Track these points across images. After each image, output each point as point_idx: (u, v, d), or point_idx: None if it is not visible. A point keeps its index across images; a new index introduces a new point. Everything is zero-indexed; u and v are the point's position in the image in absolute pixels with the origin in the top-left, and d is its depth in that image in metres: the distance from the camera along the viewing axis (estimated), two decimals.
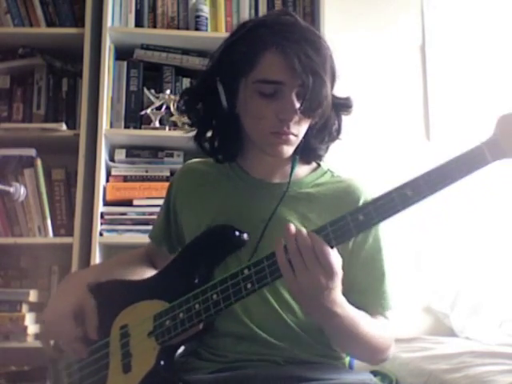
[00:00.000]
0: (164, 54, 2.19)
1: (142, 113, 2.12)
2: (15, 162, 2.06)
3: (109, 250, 2.11)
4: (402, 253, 2.27)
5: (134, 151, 2.14)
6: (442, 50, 2.52)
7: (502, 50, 2.52)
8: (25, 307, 1.97)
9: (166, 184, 2.09)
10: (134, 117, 2.13)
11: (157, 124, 2.11)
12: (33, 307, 2.01)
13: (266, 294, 1.06)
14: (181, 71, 2.22)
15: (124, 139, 2.13)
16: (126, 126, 2.11)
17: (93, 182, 2.01)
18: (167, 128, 2.11)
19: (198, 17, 2.17)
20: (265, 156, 1.10)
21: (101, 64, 2.07)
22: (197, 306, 0.98)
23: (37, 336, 1.96)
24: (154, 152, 2.15)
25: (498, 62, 2.50)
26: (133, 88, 2.15)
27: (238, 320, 1.06)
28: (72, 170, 2.08)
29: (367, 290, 1.08)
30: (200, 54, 2.20)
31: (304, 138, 1.09)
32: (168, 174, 2.12)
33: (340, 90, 1.13)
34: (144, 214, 2.05)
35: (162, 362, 1.01)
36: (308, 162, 1.18)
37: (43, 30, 2.13)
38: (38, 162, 2.05)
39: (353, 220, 0.88)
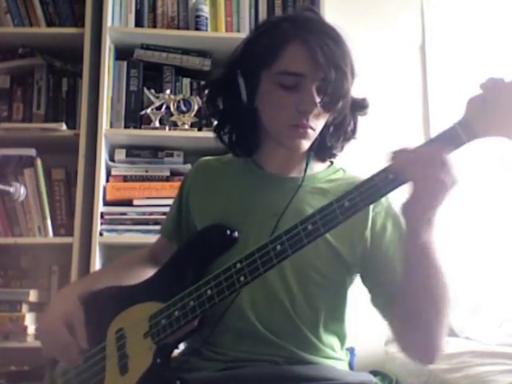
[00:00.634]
0: (164, 54, 2.18)
1: (142, 113, 2.12)
2: (15, 161, 2.06)
3: (109, 249, 2.11)
4: None
5: (133, 151, 2.14)
6: (441, 50, 2.52)
7: (502, 49, 2.52)
8: (25, 307, 1.97)
9: (166, 184, 2.14)
10: (134, 117, 2.13)
11: (157, 124, 2.11)
12: (33, 307, 2.01)
13: (276, 289, 1.05)
14: (181, 71, 2.22)
15: (124, 139, 2.13)
16: (126, 126, 2.11)
17: (93, 182, 2.01)
18: (167, 128, 2.11)
19: (198, 17, 2.17)
20: (280, 150, 1.11)
21: (101, 64, 2.07)
22: (191, 302, 0.99)
23: (37, 336, 1.96)
24: (154, 152, 2.15)
25: (498, 62, 2.50)
26: (133, 88, 2.15)
27: (243, 316, 1.06)
28: (72, 169, 2.08)
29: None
30: (200, 53, 2.20)
31: (320, 135, 1.10)
32: (168, 173, 2.12)
33: None
34: (144, 213, 2.05)
35: (159, 360, 1.01)
36: (322, 160, 1.18)
37: (43, 29, 2.13)
38: (38, 162, 2.05)
39: (339, 207, 0.91)
